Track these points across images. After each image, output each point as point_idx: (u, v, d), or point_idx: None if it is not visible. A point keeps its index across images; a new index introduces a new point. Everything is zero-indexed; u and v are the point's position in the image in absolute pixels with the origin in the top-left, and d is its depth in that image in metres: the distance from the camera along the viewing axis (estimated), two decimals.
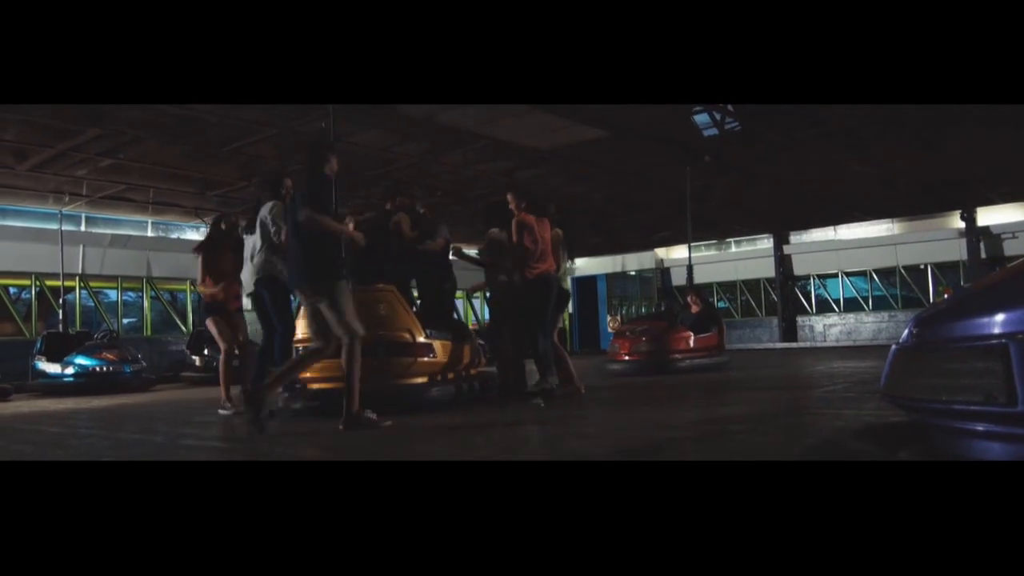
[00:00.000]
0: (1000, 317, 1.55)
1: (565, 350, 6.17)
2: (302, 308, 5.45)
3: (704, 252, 23.12)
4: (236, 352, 5.99)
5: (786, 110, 9.86)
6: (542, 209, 5.85)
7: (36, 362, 11.03)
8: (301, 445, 3.89)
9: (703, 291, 11.39)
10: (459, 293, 6.89)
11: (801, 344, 20.84)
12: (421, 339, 5.24)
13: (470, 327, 7.50)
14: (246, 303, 5.78)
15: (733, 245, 23.31)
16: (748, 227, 20.75)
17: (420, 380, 5.26)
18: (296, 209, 4.32)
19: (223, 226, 6.22)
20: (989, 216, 18.33)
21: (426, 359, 5.28)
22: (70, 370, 10.46)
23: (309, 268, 4.32)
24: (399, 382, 5.15)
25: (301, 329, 5.31)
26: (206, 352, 11.87)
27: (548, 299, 5.66)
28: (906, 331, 1.89)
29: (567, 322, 25.28)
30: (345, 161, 9.10)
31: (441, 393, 5.32)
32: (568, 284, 6.36)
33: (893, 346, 1.93)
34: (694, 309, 10.29)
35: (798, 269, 21.76)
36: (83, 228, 14.60)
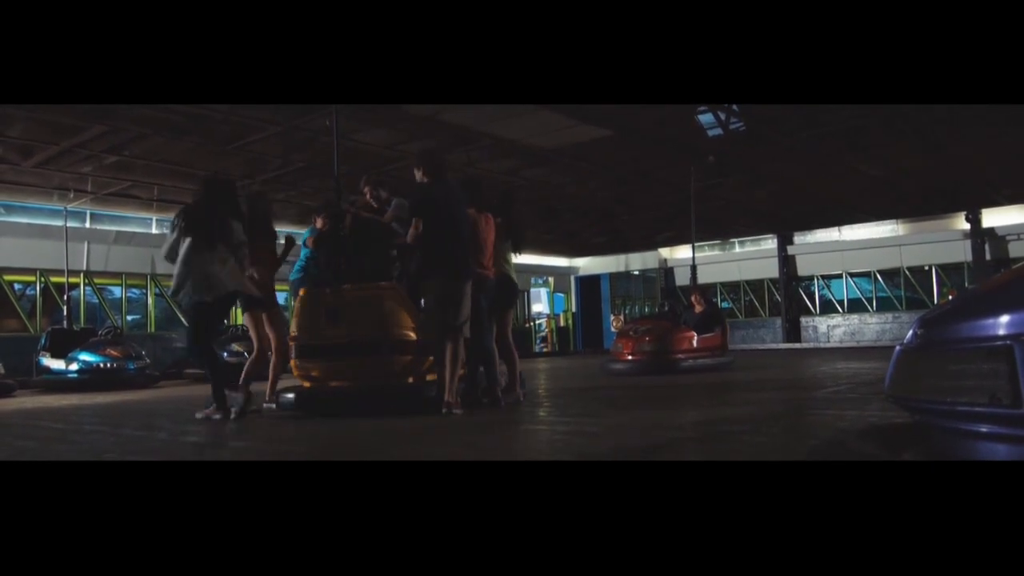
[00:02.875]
0: (1005, 318, 1.55)
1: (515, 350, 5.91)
2: (300, 307, 5.45)
3: (708, 252, 23.13)
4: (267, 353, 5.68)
5: (791, 111, 9.86)
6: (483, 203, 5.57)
7: (40, 358, 11.07)
8: (304, 445, 3.90)
9: (707, 291, 11.37)
10: None
11: (804, 345, 20.84)
12: (423, 338, 5.23)
13: None
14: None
15: (737, 245, 23.32)
16: (752, 227, 20.76)
17: (423, 379, 5.26)
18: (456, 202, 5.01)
19: (259, 206, 5.84)
20: (994, 217, 18.30)
21: (428, 359, 5.27)
22: (74, 366, 10.50)
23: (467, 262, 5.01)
24: (402, 381, 5.14)
25: (293, 327, 5.36)
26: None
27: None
28: (910, 332, 1.88)
29: (570, 321, 25.32)
30: (349, 159, 9.17)
31: (441, 392, 5.31)
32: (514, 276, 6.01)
33: (897, 347, 1.93)
34: (698, 309, 10.29)
35: (802, 270, 21.76)
36: (88, 225, 14.64)
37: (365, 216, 5.68)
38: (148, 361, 11.30)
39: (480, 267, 5.35)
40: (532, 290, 24.27)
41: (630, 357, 9.64)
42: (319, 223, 6.10)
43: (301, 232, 6.35)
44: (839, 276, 21.24)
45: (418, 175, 5.12)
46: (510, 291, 5.91)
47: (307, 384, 5.32)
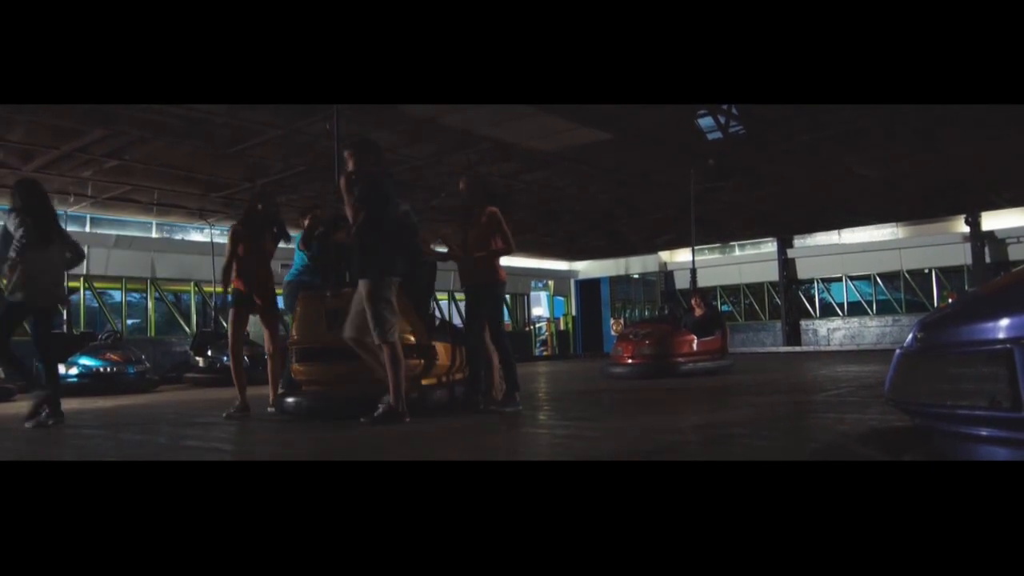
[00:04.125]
0: (1005, 322, 1.55)
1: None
2: (300, 310, 5.45)
3: (708, 255, 23.13)
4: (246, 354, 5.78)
5: (790, 113, 9.86)
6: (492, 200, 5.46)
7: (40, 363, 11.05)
8: (303, 447, 3.89)
9: (707, 294, 11.39)
10: (442, 295, 6.63)
11: (805, 348, 20.83)
12: (425, 341, 5.23)
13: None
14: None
15: (737, 248, 23.32)
16: (752, 230, 20.75)
17: (423, 382, 5.25)
18: (390, 201, 4.69)
19: (260, 206, 5.81)
20: (994, 220, 18.30)
21: (429, 362, 5.27)
22: (74, 371, 10.49)
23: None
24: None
25: (293, 331, 5.37)
26: (209, 353, 11.90)
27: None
28: (910, 335, 1.88)
29: (570, 325, 25.33)
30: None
31: (442, 396, 5.31)
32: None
33: (897, 350, 1.93)
34: (698, 312, 10.28)
35: (802, 273, 21.76)
36: (88, 229, 14.64)
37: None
38: (148, 365, 11.28)
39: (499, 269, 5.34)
40: (532, 294, 24.28)
41: (630, 360, 9.64)
42: (306, 223, 6.14)
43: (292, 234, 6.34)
44: (839, 279, 21.23)
45: (351, 164, 4.79)
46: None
47: (306, 388, 5.31)
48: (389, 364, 4.61)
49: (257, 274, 5.68)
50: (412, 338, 5.15)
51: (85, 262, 14.04)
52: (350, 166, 4.79)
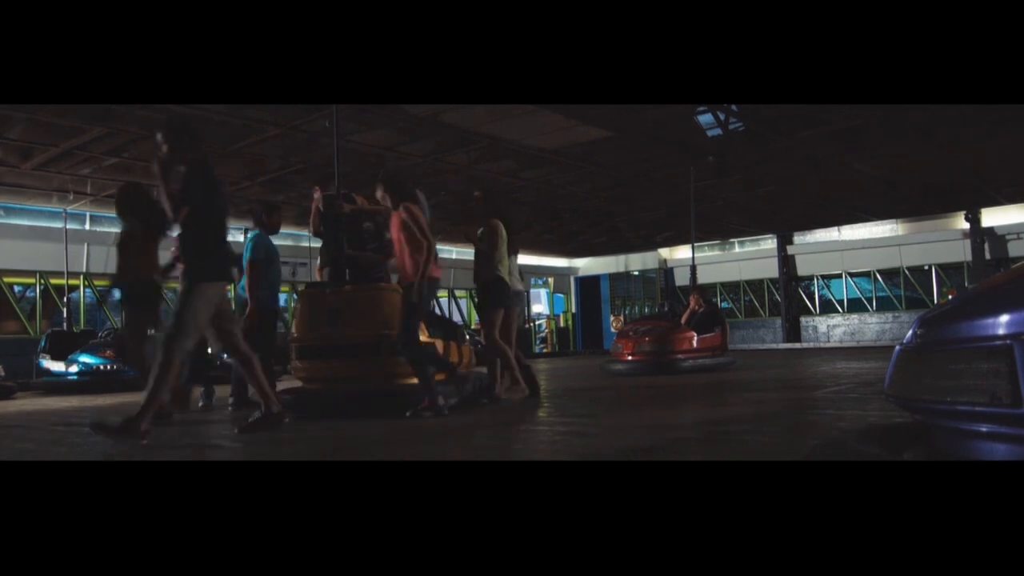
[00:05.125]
0: (1005, 318, 1.54)
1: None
2: (300, 306, 5.44)
3: (708, 252, 23.14)
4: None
5: (790, 110, 9.86)
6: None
7: (40, 360, 11.07)
8: (303, 446, 3.90)
9: (706, 292, 11.38)
10: (442, 292, 6.65)
11: (805, 345, 20.85)
12: (424, 339, 5.22)
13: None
14: None
15: (737, 245, 23.33)
16: (752, 227, 20.75)
17: (408, 381, 5.24)
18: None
19: (129, 192, 5.58)
20: (994, 217, 18.31)
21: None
22: (74, 368, 10.49)
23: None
24: (402, 382, 5.14)
25: (293, 328, 5.38)
26: (209, 351, 11.88)
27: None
28: (910, 332, 1.88)
29: (570, 322, 25.34)
30: (349, 160, 9.17)
31: (442, 393, 5.30)
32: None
33: (897, 347, 1.93)
34: (696, 310, 10.27)
35: (802, 270, 21.77)
36: (87, 227, 14.63)
37: (369, 209, 5.63)
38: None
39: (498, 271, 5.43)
40: (532, 291, 24.31)
41: (630, 357, 9.64)
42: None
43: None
44: (839, 276, 21.25)
45: (165, 148, 4.04)
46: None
47: (305, 385, 5.32)
48: (155, 376, 3.86)
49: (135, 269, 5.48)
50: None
51: (85, 260, 14.15)
52: (164, 151, 4.06)
